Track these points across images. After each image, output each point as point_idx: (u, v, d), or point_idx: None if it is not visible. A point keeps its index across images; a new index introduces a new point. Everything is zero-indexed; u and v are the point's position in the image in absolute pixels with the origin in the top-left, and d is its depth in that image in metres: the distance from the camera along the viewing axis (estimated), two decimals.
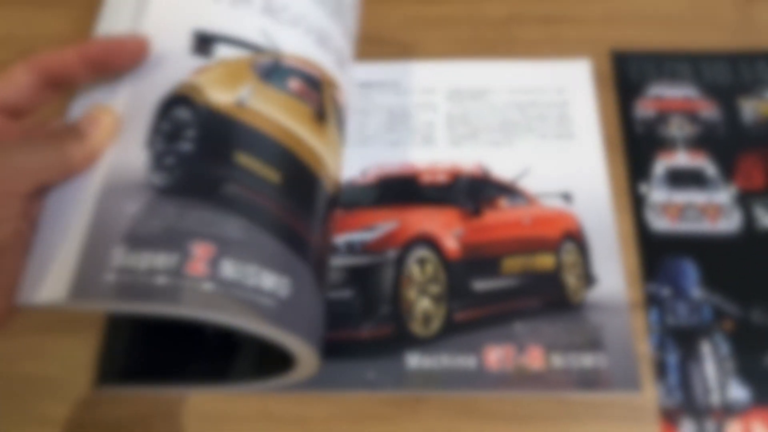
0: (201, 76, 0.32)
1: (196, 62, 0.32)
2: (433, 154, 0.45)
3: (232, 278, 0.28)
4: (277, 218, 0.30)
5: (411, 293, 0.41)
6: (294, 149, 0.32)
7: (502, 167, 0.45)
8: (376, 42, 0.50)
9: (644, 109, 0.47)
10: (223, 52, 0.32)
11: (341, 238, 0.42)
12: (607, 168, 0.45)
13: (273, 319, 0.28)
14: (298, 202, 0.31)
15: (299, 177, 0.32)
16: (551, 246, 0.43)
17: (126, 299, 0.26)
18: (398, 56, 0.49)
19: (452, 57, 0.49)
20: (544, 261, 0.43)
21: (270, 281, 0.29)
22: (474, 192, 0.44)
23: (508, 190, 0.44)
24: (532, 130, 0.46)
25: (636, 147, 0.46)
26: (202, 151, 0.30)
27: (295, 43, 0.34)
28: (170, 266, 0.27)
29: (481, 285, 0.42)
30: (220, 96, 0.31)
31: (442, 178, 0.44)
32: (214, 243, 0.28)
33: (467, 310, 0.41)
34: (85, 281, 0.26)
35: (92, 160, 0.30)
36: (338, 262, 0.41)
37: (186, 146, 0.30)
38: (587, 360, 0.39)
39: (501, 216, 0.44)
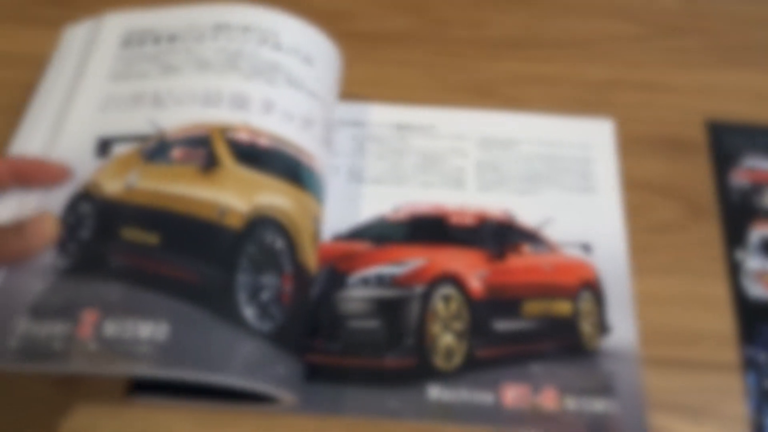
0: (100, 173, 0.41)
1: (98, 163, 0.41)
2: (463, 198, 0.48)
3: (112, 336, 0.34)
4: (155, 274, 0.36)
5: (435, 328, 0.43)
6: (176, 209, 0.38)
7: (526, 215, 0.47)
8: (486, 94, 0.54)
9: (739, 179, 0.50)
10: (119, 149, 0.41)
11: (372, 271, 0.44)
12: (627, 225, 0.48)
13: (152, 362, 0.34)
14: (182, 254, 0.37)
15: (181, 231, 0.37)
16: (569, 293, 0.45)
17: (27, 362, 0.34)
18: (506, 108, 0.53)
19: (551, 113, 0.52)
20: (562, 307, 0.45)
21: (146, 330, 0.34)
22: (499, 236, 0.46)
23: (531, 237, 0.47)
24: (556, 181, 0.49)
25: (731, 215, 0.48)
26: (96, 235, 0.38)
27: (181, 115, 0.41)
28: (64, 333, 0.35)
29: (501, 325, 0.44)
30: (113, 186, 0.40)
31: (469, 221, 0.47)
32: (98, 309, 0.35)
33: (488, 348, 0.43)
34: None
35: (29, 254, 0.37)
36: (367, 293, 0.43)
37: (85, 233, 0.38)
38: (599, 405, 0.41)
39: (524, 261, 0.46)
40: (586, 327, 0.44)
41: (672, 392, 0.42)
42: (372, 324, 0.43)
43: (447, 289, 0.44)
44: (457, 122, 0.51)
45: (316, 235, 0.40)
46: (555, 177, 0.49)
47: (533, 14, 0.59)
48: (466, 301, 0.44)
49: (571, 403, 0.41)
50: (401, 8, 0.60)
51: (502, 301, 0.44)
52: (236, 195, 0.38)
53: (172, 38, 0.45)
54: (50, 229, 0.38)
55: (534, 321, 0.44)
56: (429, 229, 0.47)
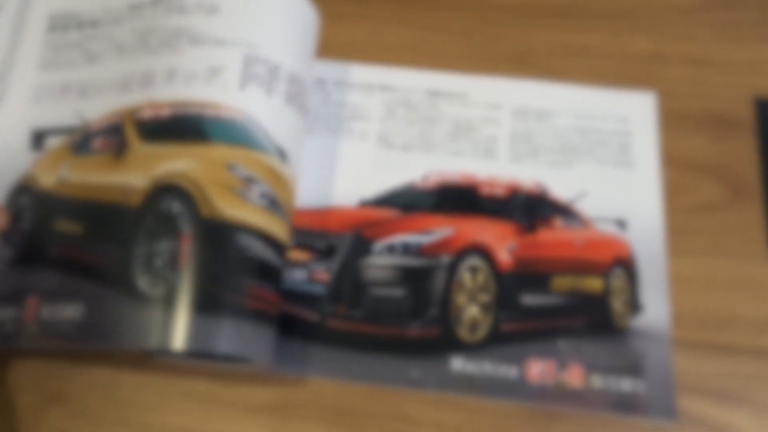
0: (36, 166, 0.43)
1: (34, 155, 0.43)
2: (494, 168, 0.47)
3: (47, 318, 0.39)
4: (79, 261, 0.39)
5: (461, 299, 0.42)
6: (94, 198, 0.40)
7: (559, 188, 0.46)
8: (523, 64, 0.51)
9: None
10: (51, 141, 0.43)
11: (398, 238, 0.43)
12: (666, 203, 0.46)
13: (74, 338, 0.37)
14: (98, 241, 0.39)
15: (97, 219, 0.40)
16: (601, 270, 0.44)
17: None
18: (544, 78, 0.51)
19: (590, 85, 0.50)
20: (593, 283, 0.44)
21: (69, 312, 0.38)
22: (530, 209, 0.45)
23: (563, 210, 0.45)
24: (592, 155, 0.47)
25: None
26: (35, 227, 0.41)
27: (103, 104, 0.43)
28: (13, 317, 0.39)
29: (529, 299, 0.43)
30: (48, 179, 0.42)
31: (500, 192, 0.46)
32: (39, 295, 0.39)
33: (514, 322, 0.42)
34: None
35: None
36: (393, 261, 0.43)
37: (25, 225, 0.42)
38: (626, 384, 0.40)
39: (555, 235, 0.45)
40: (617, 305, 0.43)
41: (704, 376, 0.41)
42: (396, 292, 0.42)
43: (474, 261, 0.43)
44: (492, 90, 0.49)
45: (237, 180, 0.38)
46: (591, 150, 0.47)
47: None
48: (493, 273, 0.43)
49: (597, 381, 0.40)
50: None
51: (530, 274, 0.43)
52: (138, 173, 0.39)
53: (94, 24, 0.45)
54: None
55: (563, 296, 0.43)
56: (458, 198, 0.45)
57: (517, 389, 0.40)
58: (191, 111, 0.40)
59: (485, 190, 0.46)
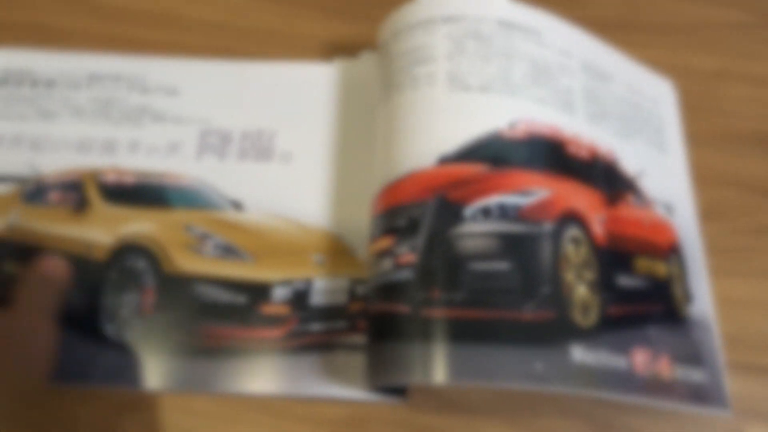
0: None
1: None
2: (573, 125, 0.40)
3: None
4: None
5: (569, 275, 0.35)
6: (52, 246, 0.43)
7: (625, 161, 0.42)
8: None
9: None
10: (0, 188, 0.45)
11: (493, 199, 0.35)
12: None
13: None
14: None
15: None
16: (664, 254, 0.41)
17: None
18: None
19: None
20: (660, 268, 0.41)
21: None
22: (609, 179, 0.40)
23: (632, 186, 0.42)
24: (643, 132, 0.45)
25: None
26: None
27: (58, 160, 0.46)
28: None
29: (623, 280, 0.38)
30: None
31: (584, 154, 0.40)
32: None
33: (615, 304, 0.36)
34: None
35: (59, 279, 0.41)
36: (491, 227, 0.35)
37: None
38: (696, 375, 0.38)
39: (631, 212, 0.41)
40: (678, 292, 0.41)
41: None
42: (501, 266, 0.34)
43: (574, 231, 0.36)
44: (562, 35, 0.43)
45: (193, 238, 0.42)
46: (642, 127, 0.45)
47: None
48: (592, 247, 0.37)
49: (679, 372, 0.37)
50: None
51: (618, 253, 0.38)
52: (103, 231, 0.43)
53: (50, 84, 0.48)
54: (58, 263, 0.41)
55: (643, 279, 0.39)
56: (547, 154, 0.38)
57: (627, 382, 0.34)
58: (153, 180, 0.45)
59: (572, 149, 0.39)
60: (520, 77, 0.40)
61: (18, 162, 0.45)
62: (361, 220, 0.42)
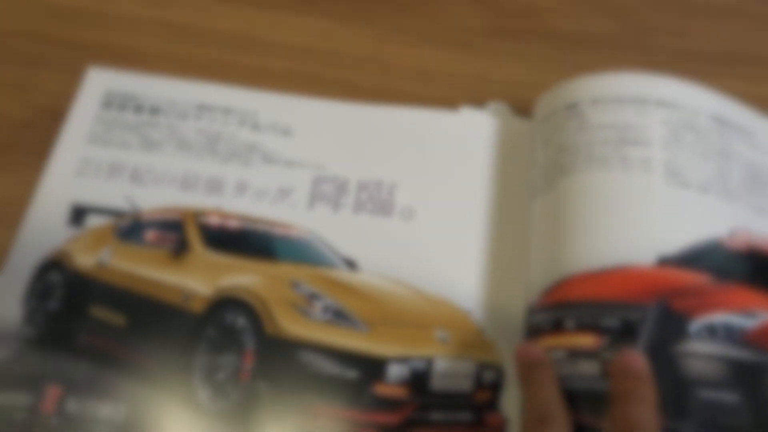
0: (72, 243, 0.41)
1: (70, 231, 0.41)
2: None
3: (73, 413, 0.36)
4: (119, 356, 0.38)
5: None
6: (144, 292, 0.40)
7: None
8: None
9: None
10: (93, 220, 0.42)
11: (719, 317, 0.32)
12: None
13: None
14: (147, 338, 0.38)
15: (147, 315, 0.39)
16: None
17: None
18: None
19: None
20: None
21: (106, 410, 0.36)
22: None
23: None
24: None
25: None
26: (65, 308, 0.40)
27: (159, 196, 0.42)
28: (27, 405, 0.36)
29: None
30: (85, 260, 0.41)
31: None
32: (63, 385, 0.36)
33: None
34: None
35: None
36: (718, 350, 0.31)
37: (53, 304, 0.40)
38: None
39: None
40: None
41: None
42: (728, 397, 0.30)
43: None
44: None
45: (300, 297, 0.38)
46: None
47: (748, 26, 0.51)
48: None
49: None
50: (601, 9, 0.52)
51: None
52: (202, 279, 0.40)
53: (155, 111, 0.45)
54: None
55: None
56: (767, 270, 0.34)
57: None
58: (260, 228, 0.42)
59: None
60: (737, 181, 0.36)
61: (115, 193, 0.42)
62: (497, 297, 0.38)
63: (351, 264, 0.40)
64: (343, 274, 0.40)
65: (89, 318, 0.39)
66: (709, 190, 0.36)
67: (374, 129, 0.44)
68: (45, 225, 0.40)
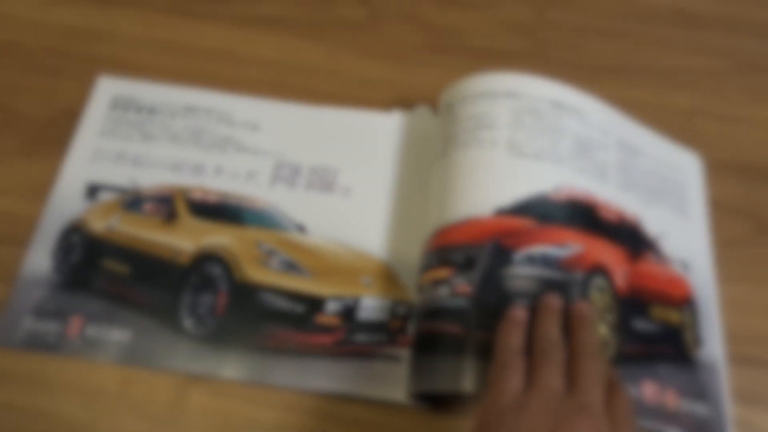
0: (88, 213, 0.52)
1: (86, 204, 0.52)
2: (605, 192, 0.47)
3: (92, 336, 0.47)
4: (125, 296, 0.48)
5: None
6: (144, 250, 0.50)
7: (648, 224, 0.48)
8: None
9: None
10: (104, 196, 0.52)
11: (537, 249, 0.42)
12: (715, 253, 0.50)
13: (116, 357, 0.46)
14: (146, 283, 0.49)
15: (146, 266, 0.49)
16: (677, 304, 0.47)
17: (30, 349, 0.46)
18: None
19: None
20: (674, 316, 0.47)
21: (116, 335, 0.46)
22: (633, 239, 0.47)
23: (653, 246, 0.48)
24: (666, 200, 0.51)
25: None
26: (83, 261, 0.50)
27: (154, 176, 0.53)
28: (57, 331, 0.47)
29: (639, 324, 0.44)
30: (98, 225, 0.51)
31: (612, 217, 0.46)
32: (83, 316, 0.47)
33: (631, 344, 0.43)
34: (5, 334, 0.46)
35: None
36: (535, 272, 0.42)
37: (75, 258, 0.50)
38: (700, 409, 0.44)
39: (650, 267, 0.47)
40: (689, 337, 0.47)
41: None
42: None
43: (600, 281, 0.43)
44: (601, 115, 0.50)
45: (262, 253, 0.49)
46: (666, 196, 0.51)
47: (628, 43, 0.61)
48: (613, 295, 0.43)
49: (684, 405, 0.43)
50: (513, 29, 0.63)
51: (637, 301, 0.45)
52: (188, 240, 0.50)
53: (152, 111, 0.56)
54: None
55: (658, 325, 0.45)
56: (583, 215, 0.45)
57: (636, 409, 0.40)
58: (233, 201, 0.52)
59: (602, 213, 0.46)
60: (566, 150, 0.47)
61: (121, 175, 0.53)
62: (407, 252, 0.48)
63: (301, 228, 0.51)
64: (294, 236, 0.50)
65: (102, 268, 0.49)
66: (542, 158, 0.46)
67: (325, 126, 0.55)
68: (67, 199, 0.51)
